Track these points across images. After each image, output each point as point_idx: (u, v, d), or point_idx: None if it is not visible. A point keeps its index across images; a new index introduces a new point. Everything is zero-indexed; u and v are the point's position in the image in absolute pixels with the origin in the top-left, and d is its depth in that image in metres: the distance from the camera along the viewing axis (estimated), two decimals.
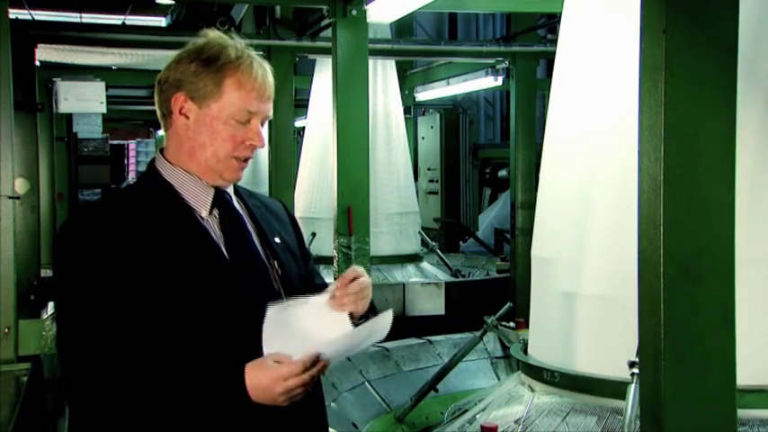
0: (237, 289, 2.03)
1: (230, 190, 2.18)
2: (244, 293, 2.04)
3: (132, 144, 23.42)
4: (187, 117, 2.09)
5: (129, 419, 1.91)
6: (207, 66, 2.08)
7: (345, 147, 6.38)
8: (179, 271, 1.98)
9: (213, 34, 2.13)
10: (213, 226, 2.10)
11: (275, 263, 2.15)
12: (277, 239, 2.20)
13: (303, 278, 2.24)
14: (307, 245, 2.31)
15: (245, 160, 2.12)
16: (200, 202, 2.11)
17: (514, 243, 8.66)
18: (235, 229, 2.12)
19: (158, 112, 2.16)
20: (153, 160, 2.18)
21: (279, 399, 1.92)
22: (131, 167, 23.13)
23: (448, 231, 12.58)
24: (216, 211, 2.11)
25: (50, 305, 6.51)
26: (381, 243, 8.82)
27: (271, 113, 2.16)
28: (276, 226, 2.25)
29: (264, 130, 2.16)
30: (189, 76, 2.08)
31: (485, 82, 9.53)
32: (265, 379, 1.91)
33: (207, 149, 2.09)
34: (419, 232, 9.71)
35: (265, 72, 2.12)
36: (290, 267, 2.19)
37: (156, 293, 1.94)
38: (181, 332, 1.95)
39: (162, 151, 2.17)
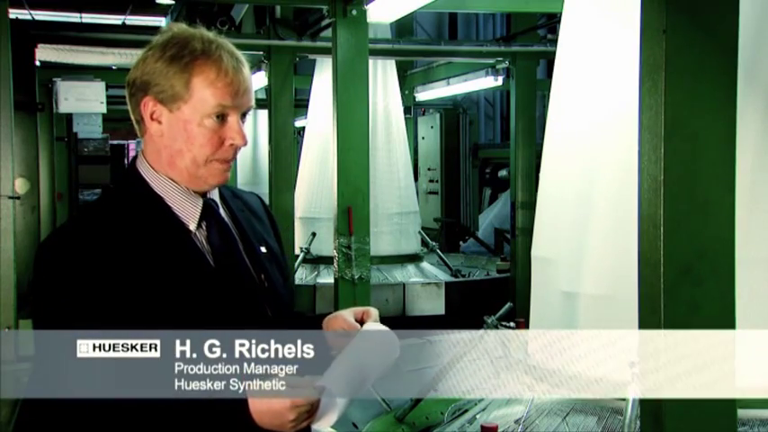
0: (227, 307, 1.95)
1: (216, 196, 2.05)
2: (233, 312, 1.96)
3: (132, 144, 23.39)
4: (159, 122, 1.94)
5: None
6: (172, 63, 1.91)
7: (345, 147, 6.38)
8: (170, 288, 1.89)
9: (178, 27, 1.96)
10: (201, 240, 1.98)
11: (262, 276, 2.05)
12: (263, 248, 2.09)
13: (286, 287, 2.16)
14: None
15: (229, 161, 1.97)
16: (189, 215, 1.97)
17: (514, 243, 8.66)
18: (224, 244, 2.00)
19: (132, 118, 1.99)
20: (134, 162, 2.02)
21: (288, 425, 1.84)
22: None
23: (448, 231, 12.58)
24: (203, 224, 1.99)
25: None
26: (381, 243, 8.82)
27: (251, 105, 1.99)
28: (260, 230, 2.14)
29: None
30: (155, 76, 1.92)
31: (485, 82, 9.54)
32: (277, 404, 1.83)
33: (185, 156, 1.93)
34: (419, 232, 9.71)
35: (238, 62, 1.95)
36: (276, 279, 2.09)
37: (146, 311, 1.86)
38: None
39: (143, 152, 2.02)
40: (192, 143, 1.92)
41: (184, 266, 1.92)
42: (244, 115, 1.98)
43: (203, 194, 2.00)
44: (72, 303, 1.83)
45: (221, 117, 1.93)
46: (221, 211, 2.05)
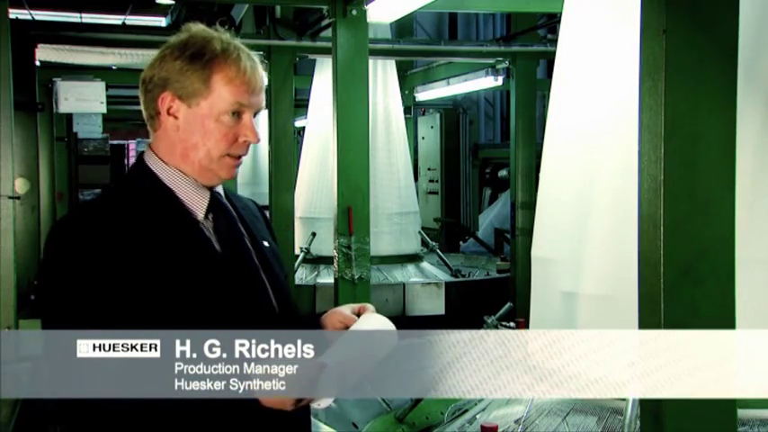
0: (235, 297, 2.01)
1: (221, 190, 2.12)
2: (241, 302, 2.02)
3: (132, 144, 23.40)
4: (176, 117, 2.02)
5: (131, 417, 1.89)
6: (193, 62, 2.00)
7: (345, 147, 6.39)
8: (179, 273, 1.94)
9: (196, 28, 2.05)
10: (209, 229, 2.05)
11: (267, 268, 2.12)
12: (266, 243, 2.17)
13: (287, 283, 2.23)
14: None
15: (239, 157, 2.06)
16: (197, 206, 2.05)
17: (514, 243, 8.67)
18: (230, 235, 2.08)
19: (145, 113, 2.07)
20: (142, 157, 2.10)
21: (289, 404, 1.89)
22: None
23: (448, 231, 12.59)
24: (210, 215, 2.06)
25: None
26: (381, 243, 8.82)
27: (263, 105, 2.08)
28: (261, 229, 2.22)
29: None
30: (174, 74, 2.00)
31: (485, 82, 9.54)
32: None
33: (200, 150, 2.02)
34: (419, 232, 9.72)
35: (254, 63, 2.04)
36: (279, 272, 2.17)
37: (155, 298, 1.91)
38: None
39: (152, 147, 2.09)
40: (209, 138, 2.02)
41: (193, 253, 1.99)
42: (255, 114, 2.07)
43: (210, 189, 2.08)
44: (82, 288, 1.88)
45: (237, 114, 2.03)
46: (228, 206, 2.13)
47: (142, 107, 2.07)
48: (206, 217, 2.05)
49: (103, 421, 1.89)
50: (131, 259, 1.90)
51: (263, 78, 2.09)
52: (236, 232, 2.10)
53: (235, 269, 2.03)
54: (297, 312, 2.25)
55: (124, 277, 1.89)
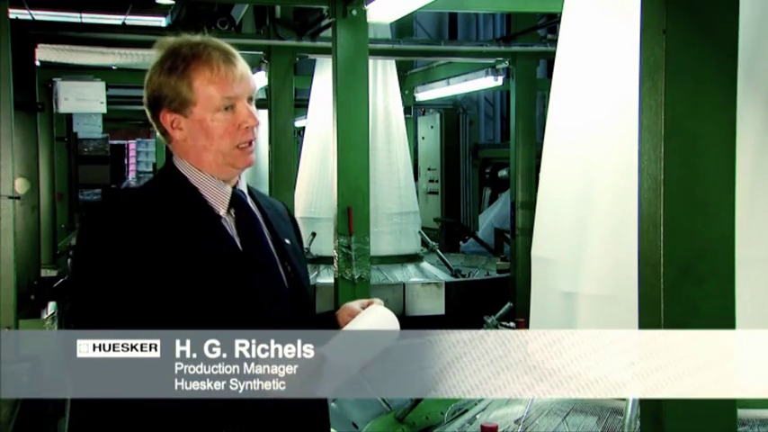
0: (251, 288, 2.07)
1: (244, 188, 2.21)
2: (257, 293, 2.08)
3: (132, 144, 23.45)
4: (181, 129, 2.12)
5: (141, 407, 1.93)
6: (171, 75, 2.09)
7: (345, 147, 6.39)
8: (198, 268, 2.01)
9: (166, 42, 2.14)
10: (231, 225, 2.13)
11: (287, 264, 2.19)
12: (288, 241, 2.24)
13: (307, 280, 2.29)
14: (306, 245, 2.33)
15: (250, 143, 2.14)
16: (219, 202, 2.14)
17: (514, 243, 8.67)
18: (250, 229, 2.16)
19: (157, 132, 2.20)
20: (170, 159, 2.21)
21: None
22: (131, 167, 23.21)
23: (448, 231, 12.58)
24: (233, 211, 2.15)
25: (51, 305, 6.52)
26: (381, 243, 8.82)
27: (253, 89, 2.16)
28: (285, 228, 2.29)
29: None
30: (162, 90, 2.11)
31: (485, 82, 9.54)
32: None
33: (210, 151, 2.11)
34: (419, 232, 9.71)
35: (227, 55, 2.12)
36: (300, 269, 2.23)
37: (174, 290, 1.98)
38: (194, 328, 1.97)
39: (176, 154, 2.21)
40: (213, 138, 2.11)
41: (214, 247, 2.07)
42: (250, 99, 2.15)
43: (233, 187, 2.17)
44: (113, 284, 1.97)
45: (230, 107, 2.11)
46: (250, 203, 2.21)
47: (154, 127, 2.18)
48: (228, 212, 2.14)
49: (107, 421, 1.93)
50: (157, 255, 1.99)
51: (242, 64, 2.15)
52: (256, 229, 2.17)
53: (253, 264, 2.10)
54: (313, 310, 2.31)
55: (150, 273, 1.97)
